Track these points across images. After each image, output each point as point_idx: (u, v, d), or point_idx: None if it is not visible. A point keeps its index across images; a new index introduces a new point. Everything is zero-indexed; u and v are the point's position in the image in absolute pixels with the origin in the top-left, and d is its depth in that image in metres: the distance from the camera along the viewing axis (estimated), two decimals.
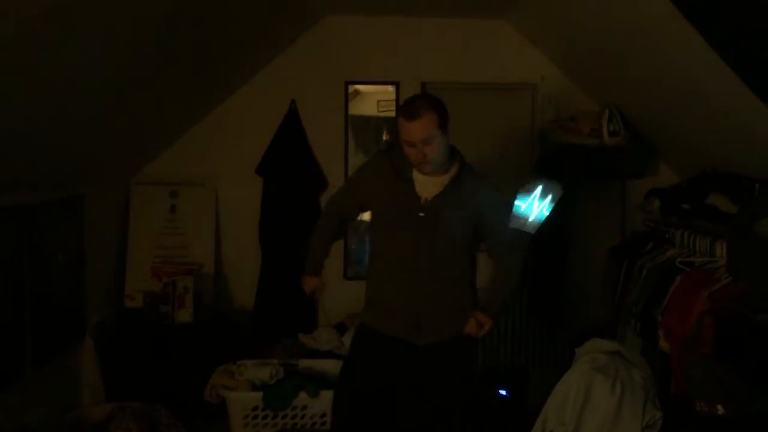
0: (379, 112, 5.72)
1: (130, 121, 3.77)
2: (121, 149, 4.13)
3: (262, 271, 4.64)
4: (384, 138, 5.31)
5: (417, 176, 2.74)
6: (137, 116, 3.79)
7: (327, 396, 3.51)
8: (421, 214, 2.71)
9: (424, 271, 2.73)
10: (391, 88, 4.84)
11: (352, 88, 4.89)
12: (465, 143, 4.66)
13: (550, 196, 2.50)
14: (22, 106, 2.66)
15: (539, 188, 2.50)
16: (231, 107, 4.66)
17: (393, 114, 4.89)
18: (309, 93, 4.63)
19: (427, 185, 2.74)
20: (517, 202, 2.55)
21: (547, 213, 2.53)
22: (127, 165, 4.50)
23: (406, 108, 2.66)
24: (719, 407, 2.11)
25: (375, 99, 5.76)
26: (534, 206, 2.52)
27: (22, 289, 3.33)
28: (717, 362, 2.35)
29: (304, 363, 4.05)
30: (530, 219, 2.53)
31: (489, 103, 4.76)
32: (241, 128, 4.64)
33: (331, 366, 3.89)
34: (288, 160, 4.62)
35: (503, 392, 3.55)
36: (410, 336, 2.74)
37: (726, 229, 3.14)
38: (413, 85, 4.65)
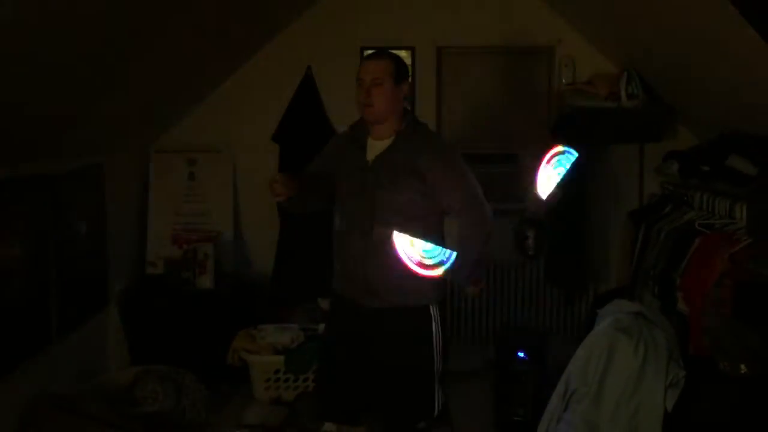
0: None
1: (148, 90, 3.78)
2: (140, 118, 4.14)
3: (281, 237, 4.68)
4: None
5: (370, 142, 2.77)
6: (155, 85, 3.80)
7: None
8: (367, 176, 2.71)
9: (371, 234, 2.68)
10: (405, 53, 4.81)
11: (366, 54, 4.86)
12: (481, 107, 4.72)
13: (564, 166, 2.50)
14: (43, 76, 2.68)
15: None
16: (247, 74, 4.66)
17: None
18: (325, 59, 4.62)
19: (374, 148, 2.75)
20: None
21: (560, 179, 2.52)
22: (146, 133, 4.52)
23: (372, 52, 2.83)
24: (742, 366, 2.13)
25: None
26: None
27: (46, 258, 3.39)
28: (740, 322, 2.36)
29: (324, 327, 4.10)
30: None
31: (506, 67, 4.72)
32: (258, 95, 4.64)
33: None
34: (304, 126, 4.62)
35: (522, 354, 3.58)
36: (365, 299, 2.73)
37: (746, 190, 3.13)
38: (429, 49, 4.62)
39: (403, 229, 2.54)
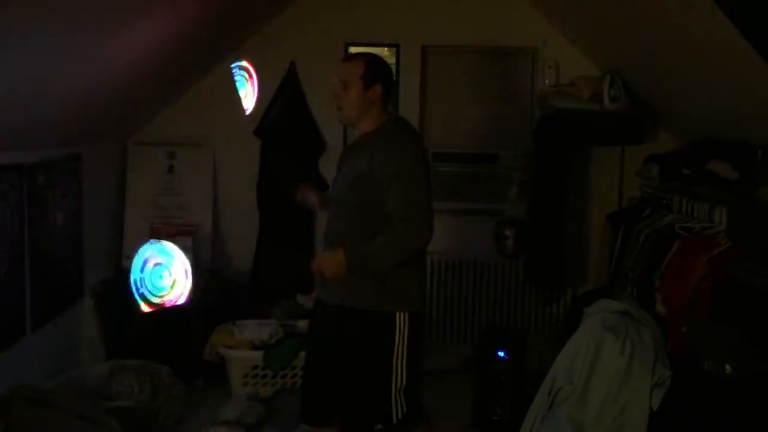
0: None
1: (127, 82, 3.73)
2: (118, 109, 4.08)
3: (261, 233, 4.65)
4: None
5: (355, 141, 2.86)
6: (134, 77, 3.74)
7: None
8: (338, 174, 2.84)
9: (329, 234, 2.79)
10: (387, 52, 4.79)
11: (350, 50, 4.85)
12: (464, 107, 4.72)
13: None
14: (20, 64, 2.62)
15: None
16: (230, 68, 4.61)
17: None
18: (309, 54, 4.59)
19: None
20: None
21: None
22: (125, 125, 4.46)
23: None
24: (727, 367, 2.15)
25: None
26: None
27: (21, 249, 3.33)
28: (725, 323, 2.38)
29: (303, 323, 4.07)
30: None
31: (490, 67, 4.74)
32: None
33: None
34: (287, 121, 4.59)
35: (502, 354, 3.59)
36: (328, 297, 2.77)
37: (727, 194, 3.16)
38: (413, 48, 4.62)
39: (348, 225, 2.66)
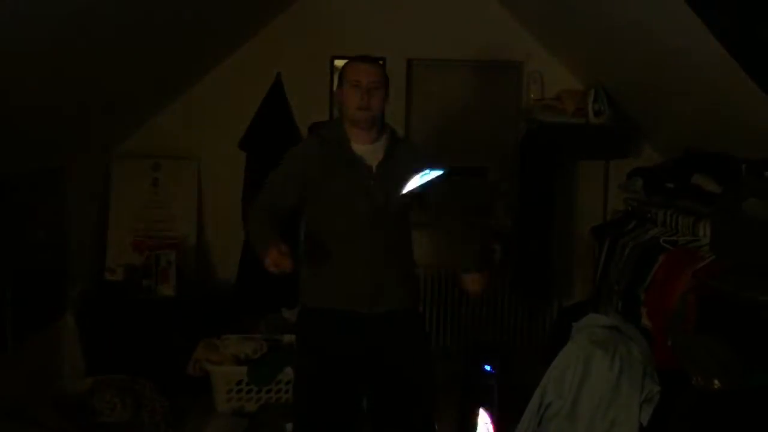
0: None
1: (111, 93, 3.70)
2: (102, 121, 4.06)
3: (245, 246, 4.61)
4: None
5: (355, 146, 2.72)
6: (118, 88, 3.72)
7: None
8: (370, 182, 2.70)
9: (378, 240, 2.70)
10: None
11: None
12: (450, 120, 4.73)
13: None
14: (2, 76, 2.60)
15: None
16: (215, 79, 4.60)
17: None
18: (294, 66, 4.58)
19: (367, 154, 2.73)
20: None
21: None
22: (108, 138, 4.43)
23: (360, 56, 2.77)
24: (716, 381, 2.15)
25: None
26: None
27: (2, 263, 3.28)
28: (712, 337, 2.39)
29: (288, 338, 4.05)
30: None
31: (474, 81, 4.75)
32: (225, 101, 4.57)
33: None
34: (272, 134, 4.57)
35: (488, 368, 3.58)
36: (365, 306, 2.69)
37: (711, 208, 3.18)
38: (399, 61, 4.62)
39: (402, 230, 2.80)
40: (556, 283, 4.52)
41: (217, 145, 4.59)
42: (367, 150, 2.73)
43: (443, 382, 4.17)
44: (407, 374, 2.76)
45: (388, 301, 2.73)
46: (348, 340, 2.71)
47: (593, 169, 4.64)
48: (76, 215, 4.06)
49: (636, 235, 3.85)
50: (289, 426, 3.24)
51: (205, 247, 4.66)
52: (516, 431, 2.58)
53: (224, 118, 4.58)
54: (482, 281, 2.73)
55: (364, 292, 2.70)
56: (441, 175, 2.74)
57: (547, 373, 2.38)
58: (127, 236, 4.44)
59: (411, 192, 2.72)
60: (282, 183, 2.77)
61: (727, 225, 2.90)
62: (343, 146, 2.72)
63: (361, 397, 2.85)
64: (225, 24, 4.15)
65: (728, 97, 3.09)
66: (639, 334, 2.48)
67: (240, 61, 4.59)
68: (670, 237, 3.50)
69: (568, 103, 4.35)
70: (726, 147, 3.43)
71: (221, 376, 3.86)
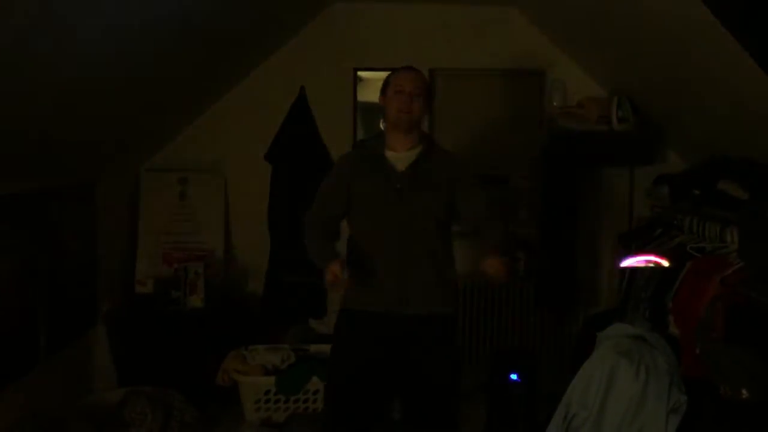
0: None
1: (139, 109, 3.77)
2: (130, 137, 4.13)
3: (272, 257, 4.66)
4: (381, 125, 5.32)
5: (389, 154, 2.86)
6: (146, 104, 3.79)
7: None
8: (398, 186, 2.80)
9: (407, 242, 2.79)
10: None
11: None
12: (473, 129, 4.74)
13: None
14: (33, 94, 2.67)
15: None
16: (240, 94, 4.67)
17: None
18: (318, 80, 4.63)
19: (399, 159, 2.85)
20: None
21: None
22: (137, 152, 4.51)
23: (405, 66, 2.92)
24: (744, 391, 2.13)
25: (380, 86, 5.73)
26: None
27: (35, 277, 3.36)
28: (741, 347, 2.36)
29: (315, 348, 4.08)
30: None
31: (497, 90, 4.76)
32: (251, 115, 4.64)
33: None
34: (297, 146, 4.62)
35: (514, 377, 3.57)
36: (394, 307, 2.78)
37: (738, 214, 3.15)
38: (422, 71, 4.63)
39: (434, 234, 2.80)
40: (582, 291, 4.50)
41: (243, 158, 4.65)
42: (401, 156, 2.86)
43: (470, 391, 4.20)
44: (431, 376, 2.80)
45: (418, 303, 2.79)
46: (379, 341, 2.80)
47: (618, 176, 4.62)
48: (106, 229, 4.13)
49: (662, 242, 3.82)
50: None
51: (232, 259, 4.71)
52: None
53: (250, 131, 4.64)
54: (503, 267, 2.71)
55: (392, 293, 2.79)
56: None
57: (571, 384, 2.37)
58: (157, 249, 4.51)
59: (442, 199, 2.81)
60: (328, 193, 2.97)
61: (755, 231, 2.87)
62: (377, 152, 2.87)
63: (389, 400, 2.89)
64: (251, 40, 4.21)
65: (754, 103, 3.07)
66: (665, 343, 2.46)
67: (264, 75, 4.65)
68: (697, 244, 3.46)
69: (592, 110, 4.34)
70: (752, 153, 3.40)
71: (250, 386, 3.90)
